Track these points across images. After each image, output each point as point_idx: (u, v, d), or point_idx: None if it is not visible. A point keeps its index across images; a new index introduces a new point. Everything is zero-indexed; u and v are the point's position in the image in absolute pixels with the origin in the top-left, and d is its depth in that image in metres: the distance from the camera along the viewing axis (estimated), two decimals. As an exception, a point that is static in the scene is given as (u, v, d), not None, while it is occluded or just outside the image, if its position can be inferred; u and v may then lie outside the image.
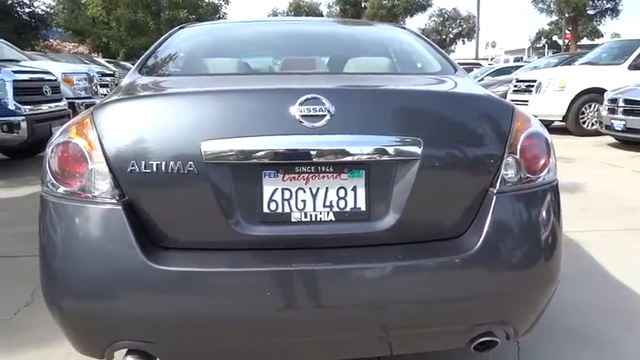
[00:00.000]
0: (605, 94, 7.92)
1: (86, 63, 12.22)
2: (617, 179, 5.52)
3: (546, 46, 41.45)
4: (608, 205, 4.28)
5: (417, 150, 1.42)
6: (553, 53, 29.51)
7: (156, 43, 2.27)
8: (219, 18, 25.09)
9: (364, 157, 1.42)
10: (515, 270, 1.48)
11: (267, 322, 1.39)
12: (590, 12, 30.09)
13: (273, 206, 1.43)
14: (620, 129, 7.32)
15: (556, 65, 12.29)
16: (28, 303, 2.58)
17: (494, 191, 1.49)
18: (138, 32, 23.12)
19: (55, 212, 1.44)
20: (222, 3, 25.33)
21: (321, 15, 58.02)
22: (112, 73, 10.41)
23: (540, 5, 30.52)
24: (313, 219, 1.44)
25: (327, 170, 1.44)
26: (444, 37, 43.43)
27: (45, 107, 6.50)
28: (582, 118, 9.03)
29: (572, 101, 8.94)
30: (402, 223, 1.45)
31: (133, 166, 1.38)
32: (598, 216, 3.97)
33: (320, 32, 2.67)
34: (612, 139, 7.88)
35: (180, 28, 2.53)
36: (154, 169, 1.38)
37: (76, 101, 8.09)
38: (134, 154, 1.39)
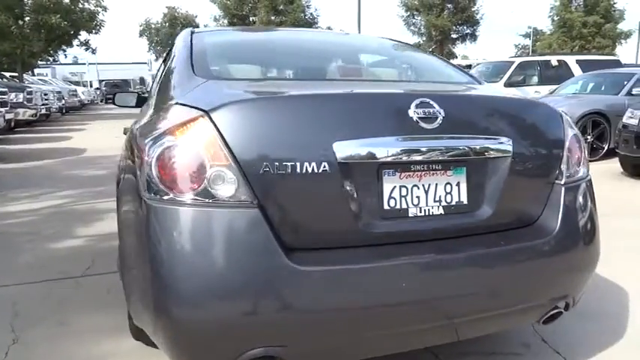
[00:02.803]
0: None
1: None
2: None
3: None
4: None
5: (509, 148, 1.62)
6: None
7: (181, 48, 2.17)
8: (96, 26, 23.40)
9: (468, 156, 1.58)
10: (580, 249, 1.74)
11: (402, 312, 1.47)
12: (454, 36, 33.74)
13: (392, 203, 1.52)
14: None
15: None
16: (15, 340, 2.29)
17: (562, 183, 1.73)
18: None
19: (178, 219, 1.37)
20: (100, 10, 23.63)
21: (197, 27, 56.83)
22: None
23: (412, 27, 33.53)
24: (426, 213, 1.56)
25: (437, 168, 1.57)
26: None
27: None
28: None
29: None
30: (495, 213, 1.63)
31: (266, 167, 1.38)
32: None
33: (366, 45, 2.80)
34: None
35: (192, 33, 2.45)
36: (289, 170, 1.39)
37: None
38: (267, 155, 1.39)
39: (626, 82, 8.63)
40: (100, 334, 2.32)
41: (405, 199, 1.53)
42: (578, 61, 11.82)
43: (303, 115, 1.48)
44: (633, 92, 8.13)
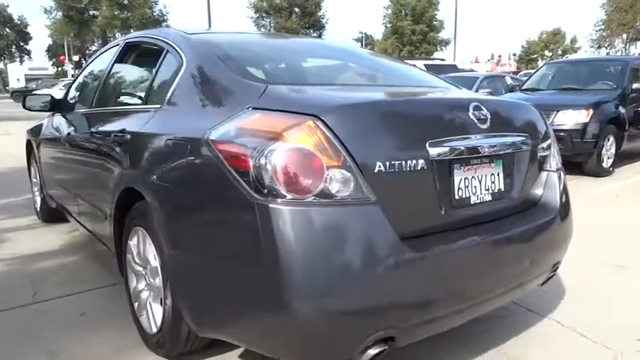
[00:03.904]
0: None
1: None
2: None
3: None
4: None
5: (529, 142, 1.97)
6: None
7: (196, 51, 2.10)
8: None
9: (506, 150, 1.89)
10: (568, 221, 2.16)
11: (483, 284, 1.74)
12: (302, 38, 35.14)
13: (460, 193, 1.76)
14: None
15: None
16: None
17: (554, 169, 2.15)
18: None
19: (302, 219, 1.43)
20: None
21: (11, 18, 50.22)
22: None
23: (262, 29, 34.04)
24: (481, 200, 1.83)
25: (485, 161, 1.85)
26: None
27: None
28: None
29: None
30: (519, 197, 1.98)
31: (379, 166, 1.51)
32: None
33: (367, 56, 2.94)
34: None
35: (192, 34, 2.35)
36: (396, 167, 1.54)
37: None
38: (378, 155, 1.53)
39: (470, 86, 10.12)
40: (105, 358, 2.14)
41: (468, 189, 1.78)
42: (426, 65, 13.35)
43: (403, 117, 1.66)
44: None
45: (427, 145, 1.62)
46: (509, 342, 2.27)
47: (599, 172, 6.32)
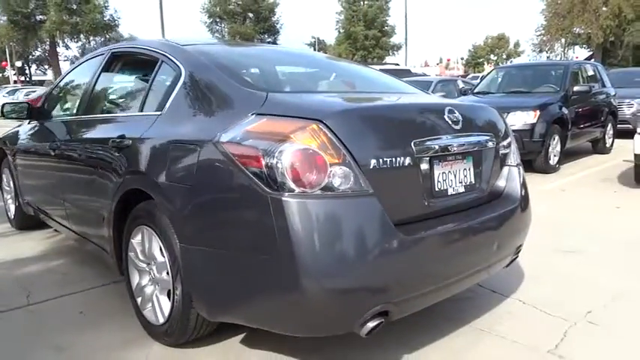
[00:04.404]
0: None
1: None
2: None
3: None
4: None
5: (493, 140, 2.27)
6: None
7: (193, 62, 2.27)
8: None
9: (475, 148, 2.17)
10: (528, 209, 2.47)
11: (461, 262, 2.01)
12: (257, 43, 35.43)
13: (439, 185, 2.02)
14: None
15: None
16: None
17: (515, 164, 2.45)
18: None
19: (312, 209, 1.64)
20: None
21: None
22: None
23: (216, 34, 33.91)
24: (457, 192, 2.10)
25: (459, 158, 2.12)
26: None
27: None
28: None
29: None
30: (488, 189, 2.27)
31: (374, 163, 1.75)
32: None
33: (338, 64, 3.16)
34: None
35: (184, 45, 2.51)
36: (388, 164, 1.79)
37: None
38: (373, 153, 1.76)
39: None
40: (113, 350, 2.26)
41: (445, 182, 2.05)
42: (381, 70, 13.79)
43: (392, 120, 1.91)
44: (435, 97, 10.00)
45: (412, 144, 1.88)
46: (479, 319, 2.56)
47: (547, 169, 6.83)
